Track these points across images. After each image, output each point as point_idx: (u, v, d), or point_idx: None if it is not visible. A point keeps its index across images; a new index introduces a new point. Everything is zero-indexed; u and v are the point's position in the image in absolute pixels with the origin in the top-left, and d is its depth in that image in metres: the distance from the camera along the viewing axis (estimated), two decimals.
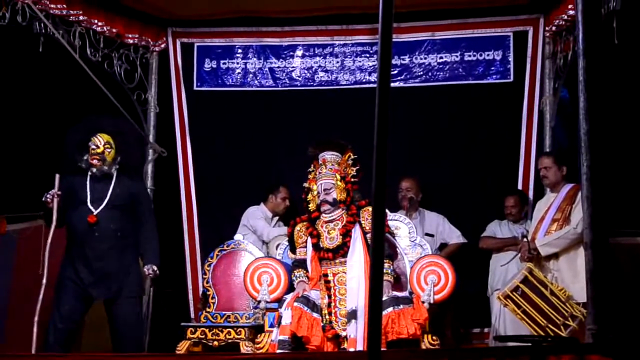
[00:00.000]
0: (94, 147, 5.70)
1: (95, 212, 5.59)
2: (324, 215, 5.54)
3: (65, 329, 5.53)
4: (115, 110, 6.72)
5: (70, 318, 5.54)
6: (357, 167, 5.55)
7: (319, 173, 5.57)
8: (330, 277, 5.43)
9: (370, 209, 5.45)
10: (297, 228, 5.62)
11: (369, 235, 5.39)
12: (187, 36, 7.63)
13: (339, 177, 5.52)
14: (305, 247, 5.56)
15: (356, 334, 5.11)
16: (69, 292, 5.53)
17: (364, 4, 6.77)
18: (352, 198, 5.55)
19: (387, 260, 5.34)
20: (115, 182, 5.72)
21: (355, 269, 5.32)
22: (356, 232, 5.43)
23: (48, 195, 5.56)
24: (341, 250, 5.42)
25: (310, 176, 5.64)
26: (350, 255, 5.38)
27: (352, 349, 5.05)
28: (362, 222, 5.45)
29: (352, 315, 5.17)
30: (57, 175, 5.60)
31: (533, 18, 7.19)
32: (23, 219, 6.94)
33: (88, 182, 5.67)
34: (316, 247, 5.48)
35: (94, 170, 5.68)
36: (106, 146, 5.72)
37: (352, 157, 5.59)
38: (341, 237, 5.44)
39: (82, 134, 5.76)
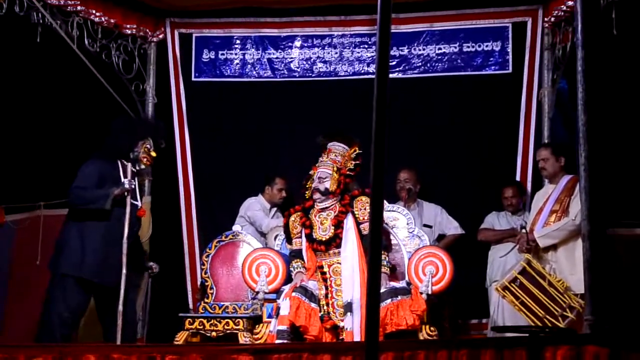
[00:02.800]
0: (148, 146, 5.80)
1: (140, 205, 5.77)
2: (317, 204, 5.54)
3: (71, 323, 5.52)
4: (113, 101, 6.73)
5: (76, 312, 5.52)
6: (357, 162, 5.54)
7: (321, 161, 5.58)
8: (325, 269, 5.43)
9: (363, 198, 5.45)
10: (292, 218, 5.62)
11: (362, 226, 5.40)
12: (186, 27, 7.62)
13: (336, 167, 5.52)
14: (301, 237, 5.56)
15: (352, 327, 5.13)
16: (76, 282, 5.49)
17: None
18: (342, 190, 5.52)
19: (383, 252, 5.34)
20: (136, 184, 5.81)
21: (348, 260, 5.32)
22: (348, 223, 5.42)
23: (133, 184, 5.62)
24: (333, 243, 5.42)
25: (318, 164, 5.64)
26: (344, 247, 5.38)
27: (345, 341, 5.06)
28: (356, 212, 5.45)
29: (347, 308, 5.18)
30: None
31: (532, 9, 7.18)
32: (21, 209, 6.95)
33: (122, 173, 5.67)
34: (309, 238, 5.49)
35: (142, 167, 5.78)
36: (154, 151, 5.88)
37: (357, 151, 5.59)
38: (333, 228, 5.44)
39: (147, 132, 5.85)
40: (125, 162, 5.71)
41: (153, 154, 5.82)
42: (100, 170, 5.63)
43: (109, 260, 5.52)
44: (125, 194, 5.54)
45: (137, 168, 5.76)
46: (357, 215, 5.44)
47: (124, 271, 5.44)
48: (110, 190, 5.52)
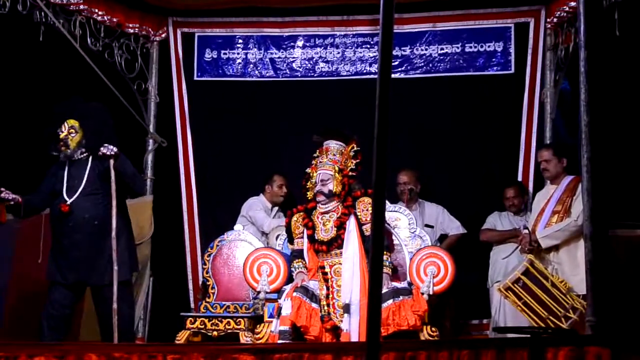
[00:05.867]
0: (59, 133, 5.74)
1: (69, 202, 5.60)
2: (320, 206, 5.54)
3: (57, 315, 5.56)
4: (115, 99, 6.71)
5: (61, 304, 5.57)
6: (358, 161, 5.53)
7: (320, 162, 5.56)
8: (327, 269, 5.42)
9: (366, 199, 5.45)
10: (294, 218, 5.61)
11: (365, 227, 5.39)
12: (188, 26, 7.62)
13: (337, 168, 5.50)
14: (303, 237, 5.56)
15: (349, 329, 5.12)
16: (57, 280, 5.58)
17: None
18: (347, 191, 5.52)
19: (385, 252, 5.33)
20: (90, 168, 5.70)
21: (348, 262, 5.31)
22: (351, 225, 5.41)
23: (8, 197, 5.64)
24: (335, 243, 5.41)
25: (313, 162, 5.63)
26: (345, 249, 5.37)
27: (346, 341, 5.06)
28: (358, 213, 5.44)
29: (345, 309, 5.18)
30: None
31: (534, 9, 7.18)
32: None
33: (65, 171, 5.69)
34: (311, 239, 5.48)
35: (61, 156, 5.72)
36: (70, 131, 5.73)
37: (355, 148, 5.57)
38: (335, 229, 5.43)
39: (52, 122, 5.79)
40: (60, 158, 5.74)
41: (62, 135, 5.72)
42: (51, 175, 5.75)
43: (64, 260, 5.58)
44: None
45: (62, 159, 5.72)
46: (359, 217, 5.43)
47: (115, 268, 5.43)
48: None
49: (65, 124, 5.73)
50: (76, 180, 5.65)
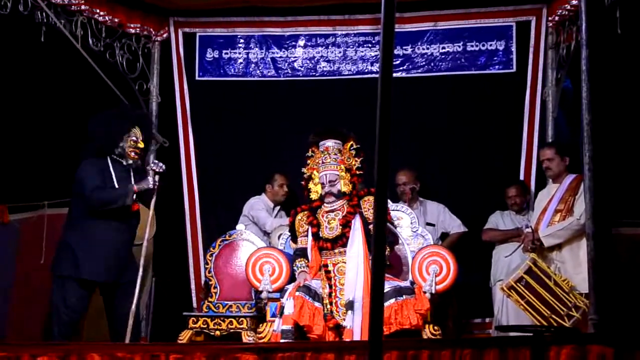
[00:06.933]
0: (134, 139, 5.71)
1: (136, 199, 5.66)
2: (325, 204, 5.54)
3: (70, 321, 5.55)
4: (117, 100, 6.73)
5: (75, 310, 5.55)
6: (361, 158, 5.53)
7: (322, 163, 5.55)
8: (330, 267, 5.43)
9: (370, 198, 5.45)
10: (298, 217, 5.62)
11: (371, 226, 5.39)
12: (189, 26, 7.62)
13: (344, 168, 5.50)
14: (306, 236, 5.56)
15: (352, 325, 5.12)
16: (75, 283, 5.52)
17: None
18: (357, 190, 5.53)
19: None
20: (134, 174, 5.73)
21: (353, 260, 5.31)
22: (356, 223, 5.41)
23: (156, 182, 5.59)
24: (340, 241, 5.41)
25: (309, 162, 5.62)
26: (350, 247, 5.37)
27: (348, 340, 5.06)
28: (364, 212, 5.44)
29: (349, 306, 5.17)
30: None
31: (536, 8, 7.18)
32: (25, 208, 6.96)
33: (112, 170, 5.66)
34: (316, 236, 5.48)
35: (130, 162, 5.70)
36: (141, 140, 5.77)
37: (355, 146, 5.57)
38: (341, 227, 5.43)
39: (128, 123, 5.73)
40: (116, 158, 5.70)
41: (140, 145, 5.75)
42: (99, 169, 5.64)
43: (111, 259, 5.55)
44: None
45: (130, 164, 5.72)
46: (366, 216, 5.42)
47: (140, 272, 5.46)
48: (130, 186, 5.54)
49: (138, 131, 5.75)
50: (128, 182, 5.65)
